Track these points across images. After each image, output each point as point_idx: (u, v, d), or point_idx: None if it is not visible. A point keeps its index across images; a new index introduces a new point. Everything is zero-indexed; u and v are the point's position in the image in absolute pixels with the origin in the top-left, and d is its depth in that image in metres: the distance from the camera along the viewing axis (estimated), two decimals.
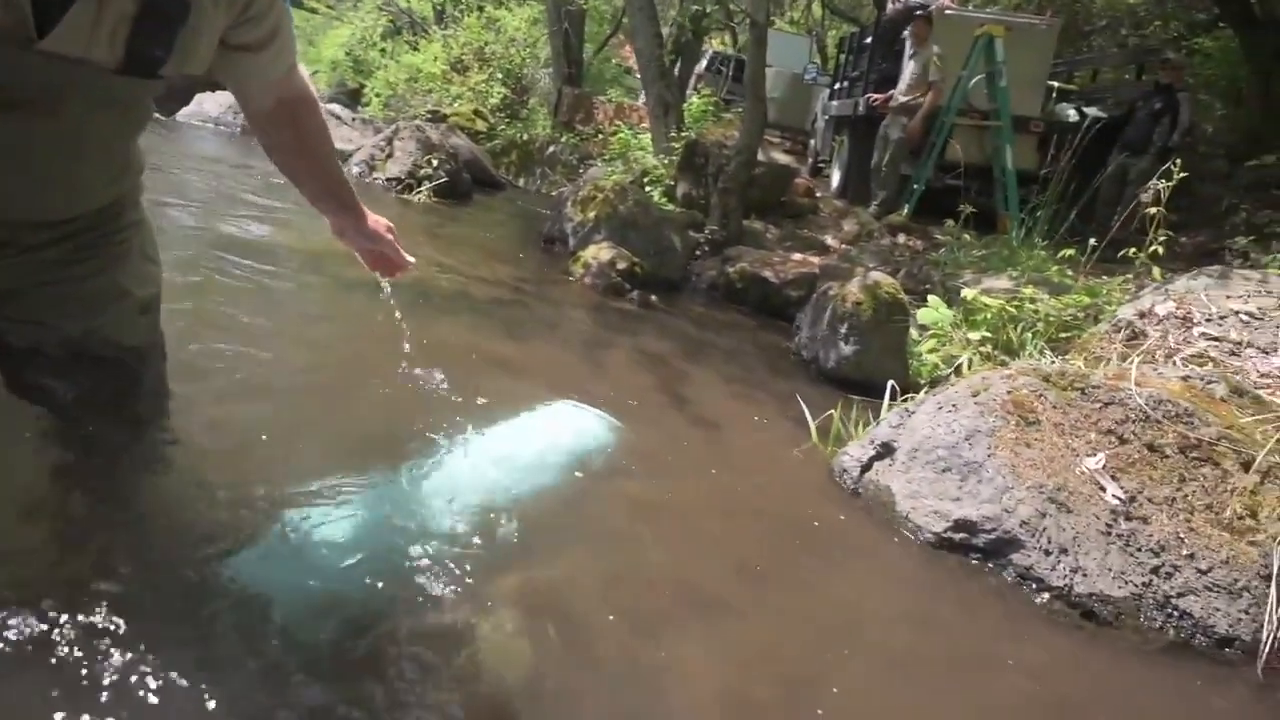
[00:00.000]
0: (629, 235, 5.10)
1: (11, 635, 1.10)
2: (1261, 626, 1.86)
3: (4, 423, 1.42)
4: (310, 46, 18.91)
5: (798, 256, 5.69)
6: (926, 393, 2.74)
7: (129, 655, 1.11)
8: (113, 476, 1.48)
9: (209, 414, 1.86)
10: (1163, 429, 2.18)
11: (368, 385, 2.28)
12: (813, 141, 10.93)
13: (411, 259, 1.67)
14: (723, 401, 3.22)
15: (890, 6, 8.22)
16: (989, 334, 3.65)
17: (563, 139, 9.76)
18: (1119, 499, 2.06)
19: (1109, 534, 2.01)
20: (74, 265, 1.27)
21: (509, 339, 3.35)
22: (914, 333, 3.89)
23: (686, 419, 2.89)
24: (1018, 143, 6.80)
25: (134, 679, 1.09)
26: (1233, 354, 2.83)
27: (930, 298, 4.16)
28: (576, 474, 2.06)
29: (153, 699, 1.07)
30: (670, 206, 6.28)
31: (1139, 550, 1.98)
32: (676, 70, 11.82)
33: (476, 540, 1.63)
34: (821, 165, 10.02)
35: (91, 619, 1.15)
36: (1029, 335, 3.61)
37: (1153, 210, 3.83)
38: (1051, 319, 3.71)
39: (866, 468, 2.41)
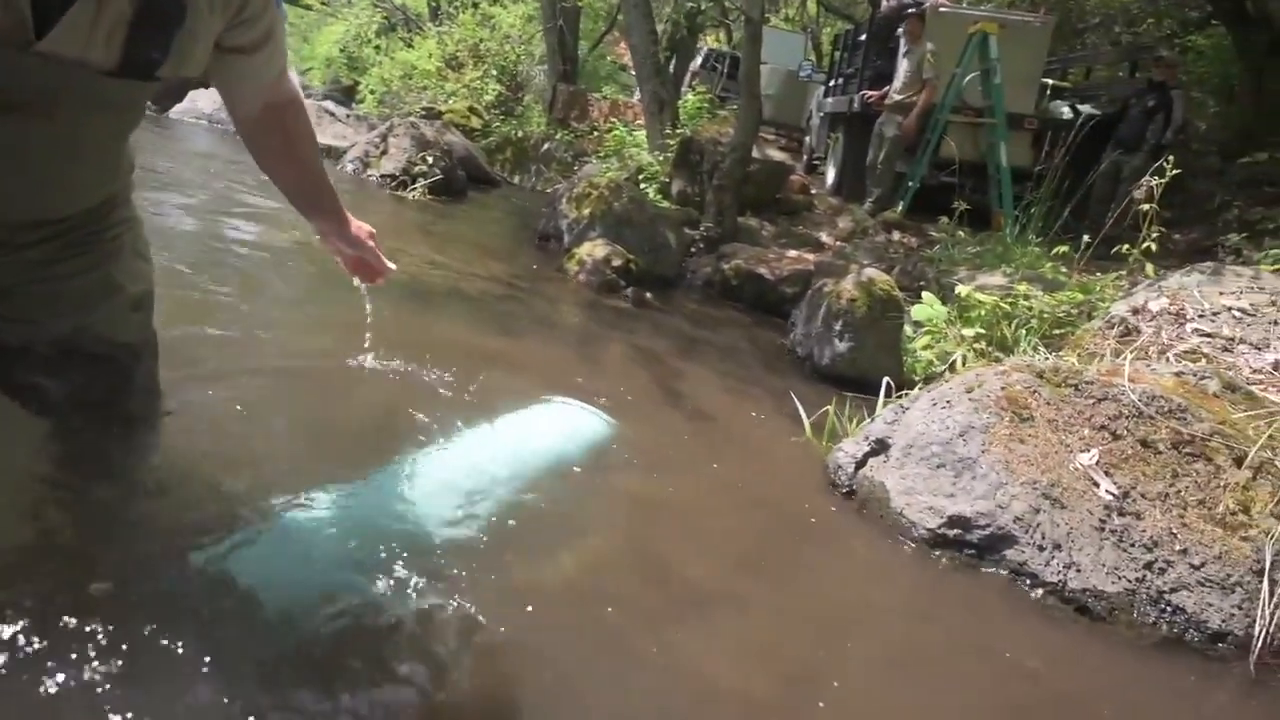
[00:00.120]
0: (624, 232, 5.09)
1: (1, 635, 1.09)
2: (1254, 622, 1.87)
3: None
4: (305, 43, 18.86)
5: (793, 253, 5.69)
6: (921, 389, 2.74)
7: (122, 654, 1.11)
8: (105, 475, 1.48)
9: (203, 411, 1.85)
10: (1156, 425, 2.19)
11: (362, 381, 2.28)
12: (808, 139, 10.93)
13: (392, 265, 1.69)
14: (718, 398, 3.22)
15: (885, 3, 8.21)
16: (983, 330, 3.65)
17: (558, 136, 9.73)
18: (1112, 495, 2.06)
19: (1102, 530, 2.02)
20: (64, 262, 1.27)
21: (504, 336, 3.34)
22: (908, 329, 3.90)
23: (681, 416, 2.89)
24: (1012, 140, 6.82)
25: (126, 678, 1.08)
26: (1225, 350, 2.84)
27: (925, 294, 4.16)
28: (570, 470, 2.06)
29: (149, 698, 1.07)
30: (665, 204, 6.27)
31: (1132, 546, 1.98)
32: (671, 67, 11.81)
33: (470, 535, 1.62)
34: (816, 162, 10.02)
35: (82, 618, 1.14)
36: (1023, 332, 3.62)
37: (1146, 207, 3.84)
38: (1045, 315, 3.72)
39: (861, 464, 2.41)
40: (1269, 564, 1.92)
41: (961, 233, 5.97)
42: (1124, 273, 4.26)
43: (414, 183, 6.59)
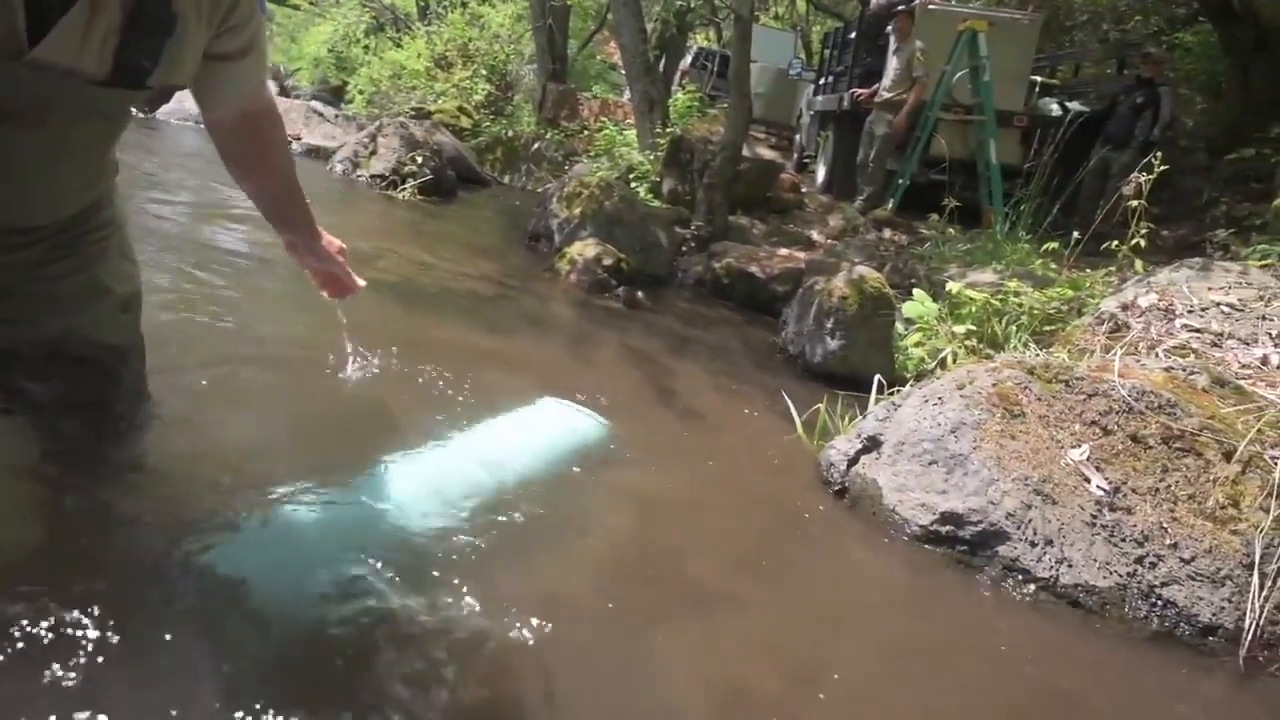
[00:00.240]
0: (615, 231, 5.08)
1: None
2: (1244, 615, 1.87)
3: None
4: (292, 43, 18.74)
5: (783, 252, 5.69)
6: (912, 386, 2.75)
7: (116, 654, 1.10)
8: (93, 475, 1.47)
9: (197, 410, 1.84)
10: (1146, 420, 2.20)
11: (351, 383, 2.26)
12: (798, 137, 10.94)
13: (362, 282, 1.68)
14: (709, 397, 3.22)
15: (874, 1, 8.22)
16: (974, 327, 3.66)
17: (548, 135, 9.71)
18: (1103, 490, 2.07)
19: (1094, 525, 2.02)
20: (50, 265, 1.27)
21: (494, 335, 3.33)
22: (899, 327, 3.90)
23: (673, 414, 2.89)
24: (1001, 137, 6.85)
25: (121, 678, 1.08)
26: (1214, 345, 2.85)
27: (915, 292, 4.16)
28: (561, 469, 2.05)
29: (144, 698, 1.06)
30: (656, 203, 6.27)
31: (1123, 541, 1.99)
32: (661, 66, 11.81)
33: (466, 535, 1.62)
34: (807, 160, 10.03)
35: (73, 618, 1.14)
36: (1013, 328, 3.63)
37: (1134, 203, 3.86)
38: (1036, 312, 3.73)
39: (853, 461, 2.41)
40: (1258, 557, 1.93)
41: (952, 230, 5.99)
42: (1113, 269, 4.28)
43: (404, 183, 6.56)
